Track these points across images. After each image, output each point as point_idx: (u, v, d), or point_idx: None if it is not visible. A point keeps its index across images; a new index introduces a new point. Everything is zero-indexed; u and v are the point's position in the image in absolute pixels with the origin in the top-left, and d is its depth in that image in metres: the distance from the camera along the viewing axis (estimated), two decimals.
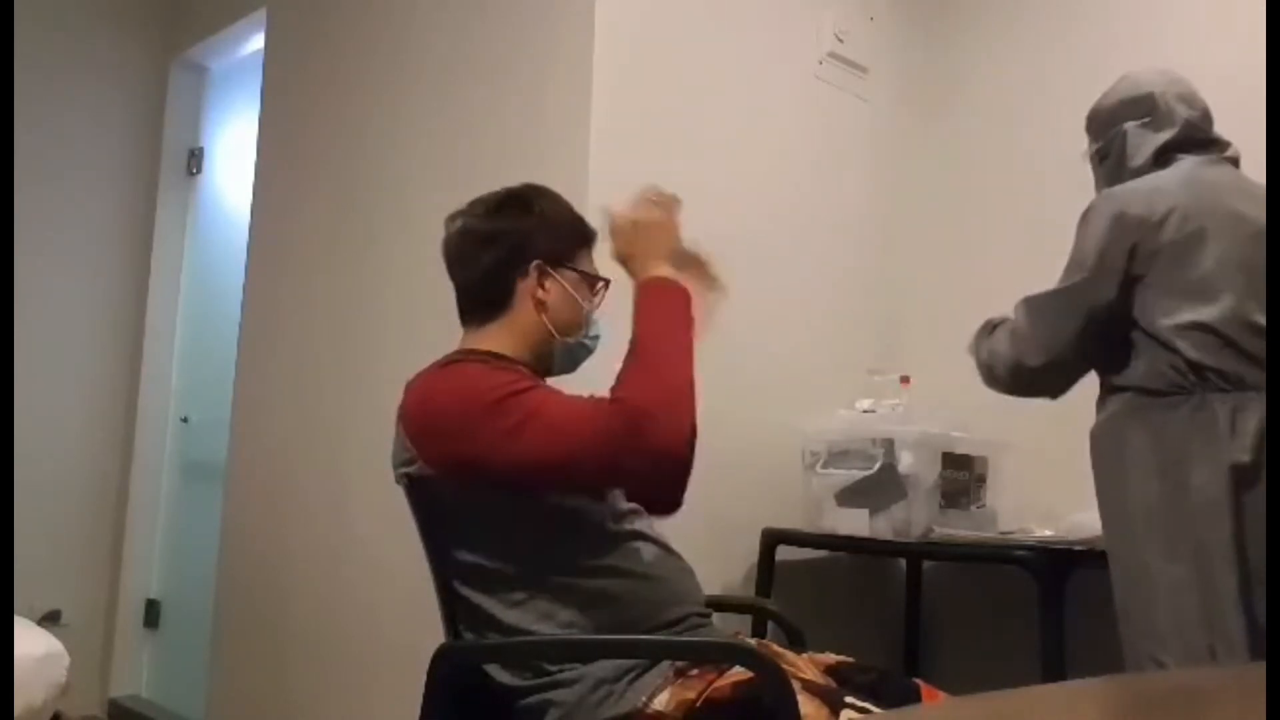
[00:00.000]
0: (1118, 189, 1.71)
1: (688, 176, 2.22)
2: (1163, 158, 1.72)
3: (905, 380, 2.24)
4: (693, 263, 1.52)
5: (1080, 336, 1.68)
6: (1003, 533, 2.10)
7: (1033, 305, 1.75)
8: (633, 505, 1.46)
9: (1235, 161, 1.74)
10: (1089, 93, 2.43)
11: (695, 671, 1.29)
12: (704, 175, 2.26)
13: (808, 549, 2.26)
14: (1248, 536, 1.51)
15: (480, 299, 1.48)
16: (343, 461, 2.52)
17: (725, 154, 2.32)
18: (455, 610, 1.40)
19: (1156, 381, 1.62)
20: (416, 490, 1.38)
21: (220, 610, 2.88)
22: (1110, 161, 1.80)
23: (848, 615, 2.41)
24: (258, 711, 2.68)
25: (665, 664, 1.30)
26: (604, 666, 1.30)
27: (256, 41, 3.19)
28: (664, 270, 1.43)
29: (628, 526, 1.41)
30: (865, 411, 2.21)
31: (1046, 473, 2.24)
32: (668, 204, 1.48)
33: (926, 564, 2.50)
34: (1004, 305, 2.50)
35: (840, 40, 2.57)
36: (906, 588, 2.51)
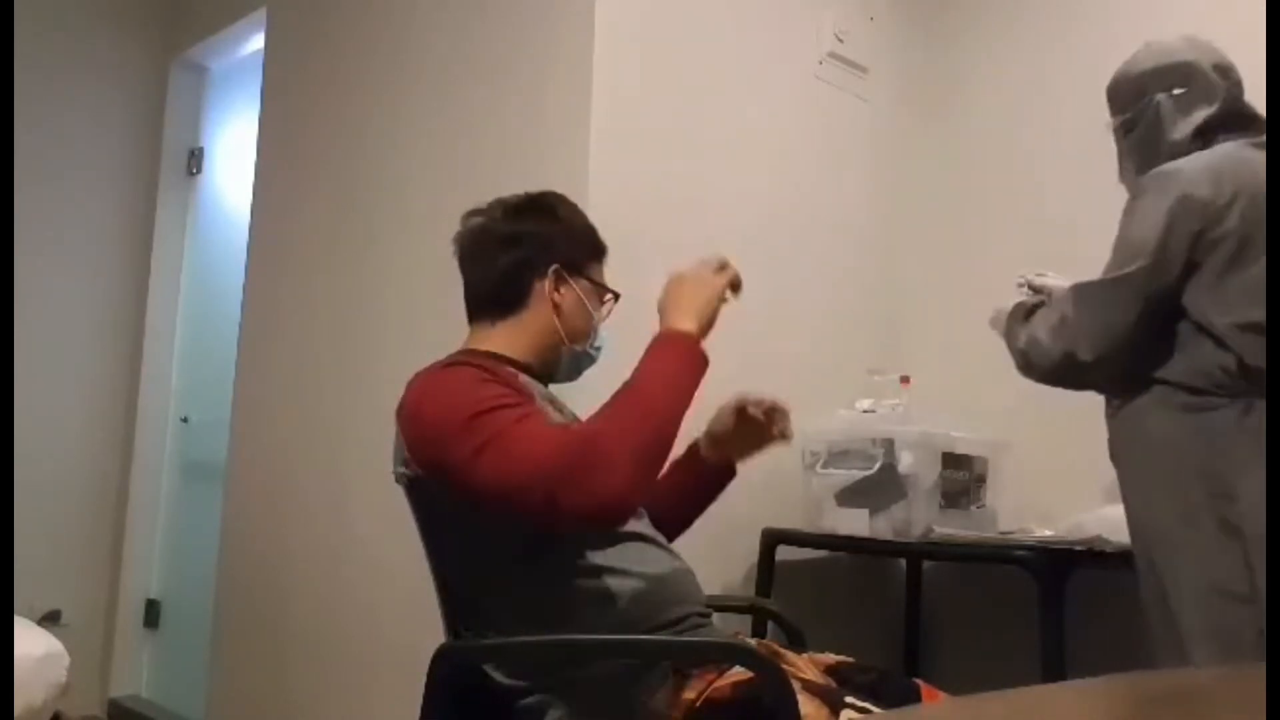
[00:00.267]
0: (1173, 169, 1.58)
1: (688, 176, 2.23)
2: (1204, 135, 1.61)
3: (905, 380, 2.24)
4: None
5: (1136, 328, 1.56)
6: (1003, 533, 2.10)
7: (1085, 294, 1.61)
8: None
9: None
10: (1089, 93, 2.44)
11: (695, 671, 1.29)
12: (704, 175, 2.27)
13: (808, 549, 2.26)
14: None
15: (493, 298, 1.49)
16: (343, 461, 2.52)
17: (725, 154, 2.32)
18: (455, 610, 1.41)
19: (1199, 379, 1.52)
20: (414, 490, 1.38)
21: (220, 610, 2.88)
22: (1139, 135, 1.69)
23: (848, 615, 2.41)
24: (258, 711, 2.68)
25: (665, 664, 1.30)
26: (604, 666, 1.30)
27: (256, 41, 3.19)
28: (688, 327, 1.36)
29: (627, 527, 1.41)
30: (865, 411, 2.21)
31: (1046, 473, 2.25)
32: (725, 275, 1.43)
33: (926, 564, 2.50)
34: (1004, 305, 2.50)
35: (840, 40, 2.57)
36: (906, 588, 2.51)
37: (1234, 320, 1.50)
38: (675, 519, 1.60)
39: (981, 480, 2.16)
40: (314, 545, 2.58)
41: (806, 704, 1.19)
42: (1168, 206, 1.54)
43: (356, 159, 2.67)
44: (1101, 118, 2.39)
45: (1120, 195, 2.33)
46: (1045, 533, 1.98)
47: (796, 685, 1.22)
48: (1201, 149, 1.61)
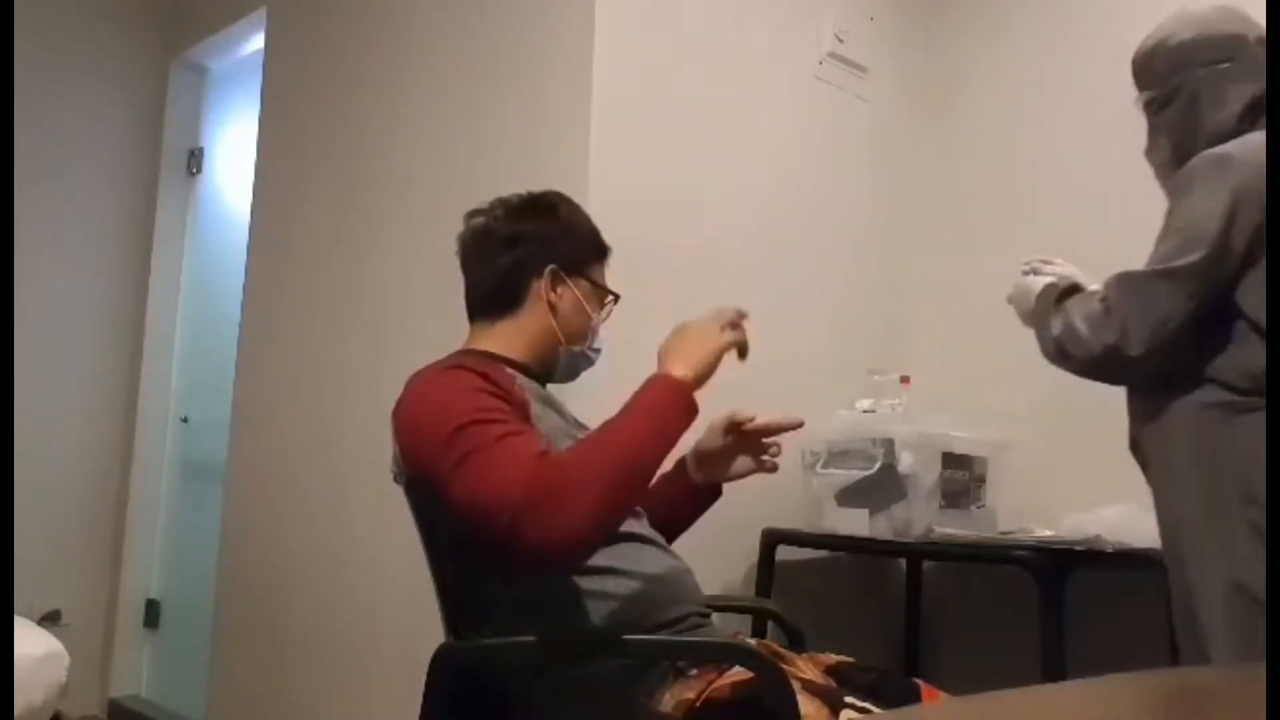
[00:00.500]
0: (1229, 153, 1.47)
1: (687, 176, 2.23)
2: (1253, 114, 1.50)
3: (905, 380, 2.23)
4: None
5: (1188, 323, 1.46)
6: (1003, 533, 2.10)
7: (1133, 285, 1.49)
8: None
9: None
10: (1089, 92, 2.44)
11: (695, 671, 1.29)
12: (703, 175, 2.27)
13: (808, 549, 2.26)
14: None
15: (492, 297, 1.49)
16: (343, 461, 2.52)
17: (725, 154, 2.32)
18: (455, 610, 1.41)
19: (1245, 380, 1.45)
20: (412, 490, 1.39)
21: (220, 610, 2.88)
22: (1176, 111, 1.58)
23: (848, 615, 2.41)
24: (258, 711, 2.68)
25: (665, 664, 1.30)
26: (604, 667, 1.30)
27: (256, 41, 3.19)
28: (682, 374, 1.32)
29: (625, 527, 1.41)
30: (865, 411, 2.21)
31: (1046, 473, 2.25)
32: (733, 334, 1.39)
33: (926, 564, 2.50)
34: (1004, 304, 2.50)
35: (840, 40, 2.57)
36: (906, 588, 2.51)
37: None
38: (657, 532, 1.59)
39: (981, 480, 2.16)
40: (314, 545, 2.58)
41: (806, 704, 1.19)
42: (1229, 195, 1.43)
43: (356, 159, 2.67)
44: (1102, 117, 2.40)
45: (1121, 195, 2.33)
46: (1045, 533, 1.98)
47: (796, 685, 1.22)
48: (1249, 129, 1.50)
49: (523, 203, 1.52)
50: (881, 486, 2.07)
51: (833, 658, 1.43)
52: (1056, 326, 1.57)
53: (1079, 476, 2.25)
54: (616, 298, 1.57)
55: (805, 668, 1.35)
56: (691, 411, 1.33)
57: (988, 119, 2.65)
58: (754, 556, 2.23)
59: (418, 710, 1.33)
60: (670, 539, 1.58)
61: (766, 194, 2.40)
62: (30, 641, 1.97)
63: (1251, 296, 1.44)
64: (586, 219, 1.55)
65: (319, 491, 2.59)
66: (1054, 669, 1.77)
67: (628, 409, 1.29)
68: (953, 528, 2.03)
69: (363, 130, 2.66)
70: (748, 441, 1.65)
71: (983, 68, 2.68)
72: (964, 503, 2.12)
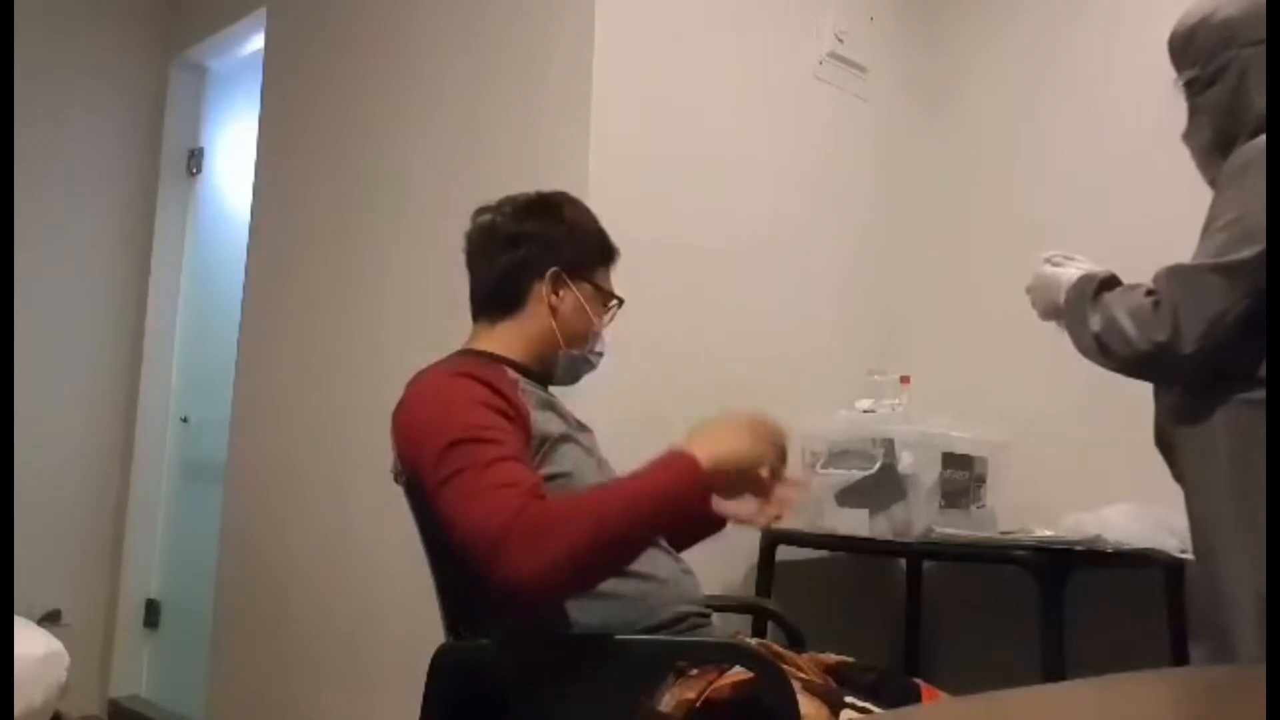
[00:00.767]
0: None
1: (687, 177, 2.24)
2: None
3: (905, 380, 2.24)
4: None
5: (1241, 321, 1.38)
6: (1003, 533, 2.10)
7: (1187, 279, 1.41)
8: None
9: None
10: (1089, 92, 2.45)
11: (695, 671, 1.29)
12: (703, 175, 2.27)
13: (808, 549, 2.26)
14: None
15: (494, 297, 1.49)
16: (343, 461, 2.52)
17: (725, 154, 2.32)
18: (455, 610, 1.41)
19: None
20: (412, 490, 1.38)
21: (220, 610, 2.88)
22: (1220, 92, 1.49)
23: (848, 615, 2.41)
24: (258, 711, 2.68)
25: (665, 664, 1.30)
26: (604, 666, 1.29)
27: (256, 41, 3.19)
28: (702, 455, 1.22)
29: None
30: (865, 411, 2.21)
31: (1046, 473, 2.25)
32: (772, 450, 1.29)
33: (926, 564, 2.50)
34: (1004, 305, 2.50)
35: (840, 40, 2.57)
36: (906, 588, 2.51)
37: None
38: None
39: (981, 480, 2.16)
40: (314, 545, 2.58)
41: (806, 704, 1.19)
42: None
43: (356, 159, 2.67)
44: (1103, 116, 2.41)
45: (1121, 195, 2.33)
46: (1045, 533, 1.98)
47: (796, 685, 1.22)
48: None
49: (529, 202, 1.51)
50: (881, 486, 2.07)
51: (833, 658, 1.43)
52: (1096, 321, 1.49)
53: (1079, 476, 2.25)
54: (620, 302, 1.56)
55: (805, 668, 1.35)
56: (700, 496, 1.24)
57: (987, 119, 2.65)
58: (754, 556, 2.23)
59: (418, 710, 1.33)
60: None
61: (766, 194, 2.40)
62: (30, 641, 1.97)
63: None
64: (593, 221, 1.54)
65: (319, 491, 2.59)
66: (1054, 669, 1.77)
67: (641, 480, 1.22)
68: (953, 528, 2.03)
69: (363, 130, 2.66)
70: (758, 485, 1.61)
71: (982, 68, 2.68)
72: (964, 503, 2.12)
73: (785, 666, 1.28)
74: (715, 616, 1.50)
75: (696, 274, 2.21)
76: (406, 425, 1.34)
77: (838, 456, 2.16)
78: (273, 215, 2.97)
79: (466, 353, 1.48)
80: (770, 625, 1.97)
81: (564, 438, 1.38)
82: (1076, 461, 2.28)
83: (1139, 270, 1.52)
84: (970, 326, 2.58)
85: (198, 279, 3.50)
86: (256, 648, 2.73)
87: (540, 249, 1.47)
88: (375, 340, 2.51)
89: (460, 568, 1.37)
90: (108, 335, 3.39)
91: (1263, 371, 1.40)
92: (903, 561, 2.52)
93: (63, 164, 3.31)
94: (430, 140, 2.45)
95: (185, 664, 3.07)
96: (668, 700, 1.26)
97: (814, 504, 2.22)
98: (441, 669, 1.33)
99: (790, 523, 2.23)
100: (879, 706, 1.22)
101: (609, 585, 1.34)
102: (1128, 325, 1.44)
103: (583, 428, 1.50)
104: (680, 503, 1.22)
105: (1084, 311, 1.51)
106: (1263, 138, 1.42)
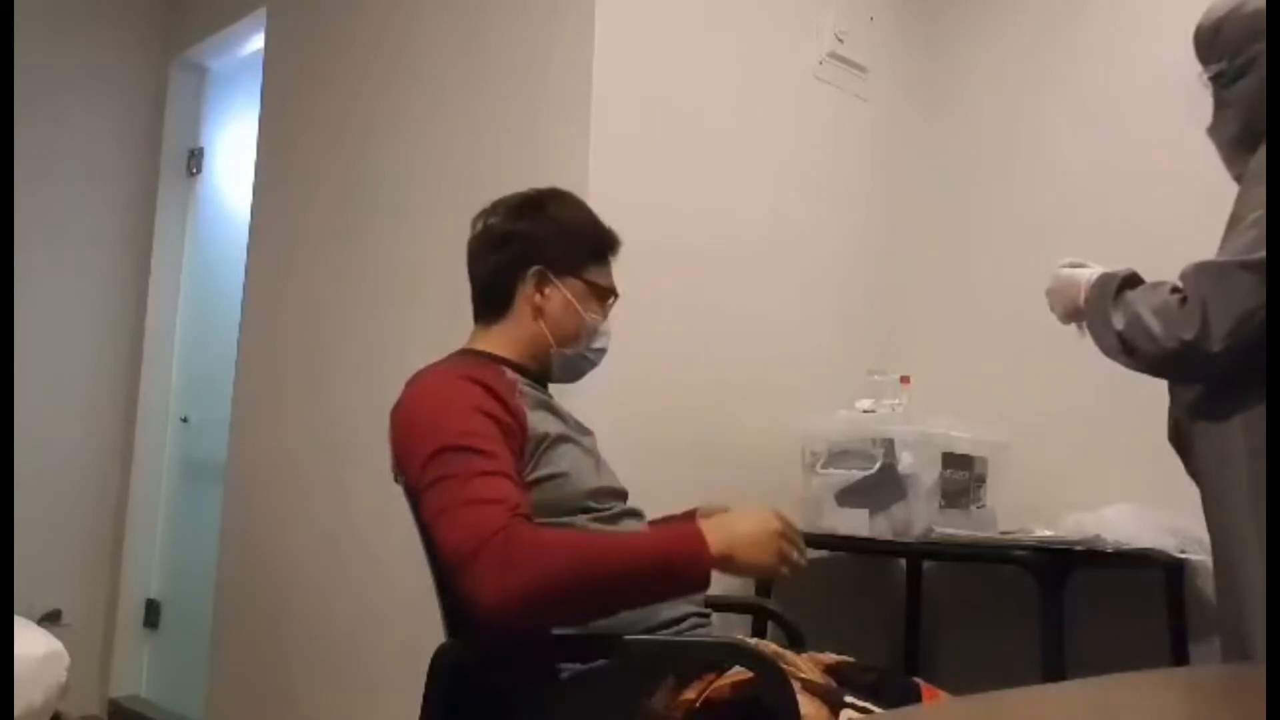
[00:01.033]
0: None
1: (687, 177, 2.23)
2: None
3: (905, 380, 2.24)
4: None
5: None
6: (1003, 533, 2.10)
7: (1215, 276, 1.36)
8: (629, 506, 1.46)
9: None
10: (1089, 92, 2.44)
11: (695, 671, 1.29)
12: (704, 175, 2.27)
13: (808, 549, 2.25)
14: None
15: (486, 299, 1.50)
16: (343, 461, 2.52)
17: (725, 154, 2.32)
18: (455, 610, 1.40)
19: None
20: (410, 490, 1.38)
21: (220, 610, 2.88)
22: (1250, 85, 1.46)
23: (848, 615, 2.41)
24: (258, 711, 2.68)
25: (665, 664, 1.30)
26: (604, 667, 1.29)
27: (256, 41, 3.19)
28: (718, 547, 1.21)
29: (626, 527, 1.41)
30: (865, 411, 2.21)
31: (1046, 473, 2.25)
32: (788, 550, 1.29)
33: (926, 564, 2.50)
34: (1003, 305, 2.50)
35: (840, 40, 2.57)
36: (906, 588, 2.51)
37: None
38: None
39: (981, 480, 2.16)
40: (314, 545, 2.58)
41: (806, 704, 1.19)
42: None
43: (356, 159, 2.67)
44: (1103, 116, 2.41)
45: (1122, 195, 2.33)
46: (1045, 533, 1.98)
47: (796, 685, 1.22)
48: None
49: (519, 202, 1.51)
50: (881, 486, 2.07)
51: (833, 657, 1.43)
52: (1119, 320, 1.45)
53: (1079, 476, 2.25)
54: (615, 296, 1.55)
55: (805, 668, 1.34)
56: (699, 589, 1.25)
57: (987, 119, 2.65)
58: None
59: (418, 710, 1.33)
60: None
61: (766, 194, 2.40)
62: (30, 641, 1.97)
63: None
64: (582, 215, 1.52)
65: (319, 491, 2.59)
66: (1054, 669, 1.77)
67: (642, 538, 1.22)
68: (953, 528, 2.03)
69: (363, 130, 2.66)
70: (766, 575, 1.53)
71: (982, 68, 2.68)
72: (964, 503, 2.12)
73: (785, 666, 1.27)
74: (715, 616, 1.50)
75: (696, 274, 2.21)
76: (402, 425, 1.35)
77: (838, 456, 2.16)
78: (273, 215, 2.97)
79: (466, 353, 1.48)
80: (770, 625, 1.97)
81: (562, 438, 1.38)
82: (1076, 461, 2.28)
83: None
84: (970, 326, 2.58)
85: (198, 279, 3.50)
86: (256, 648, 2.73)
87: (523, 249, 1.46)
88: (375, 340, 2.51)
89: None
90: (108, 335, 3.39)
91: None
92: (903, 561, 2.52)
93: (63, 164, 3.31)
94: (430, 140, 2.45)
95: (185, 664, 3.07)
96: (668, 700, 1.26)
97: (814, 504, 2.22)
98: (441, 669, 1.33)
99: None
100: (879, 706, 1.22)
101: None
102: (1153, 323, 1.40)
103: (583, 429, 1.50)
104: (674, 574, 1.21)
105: (1106, 311, 1.48)
106: None
